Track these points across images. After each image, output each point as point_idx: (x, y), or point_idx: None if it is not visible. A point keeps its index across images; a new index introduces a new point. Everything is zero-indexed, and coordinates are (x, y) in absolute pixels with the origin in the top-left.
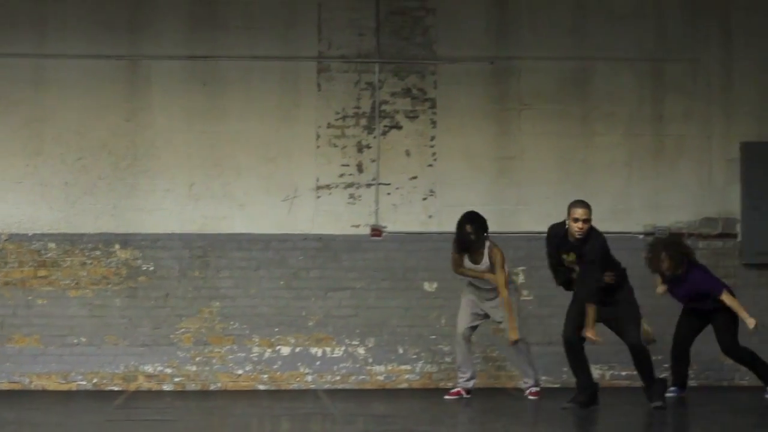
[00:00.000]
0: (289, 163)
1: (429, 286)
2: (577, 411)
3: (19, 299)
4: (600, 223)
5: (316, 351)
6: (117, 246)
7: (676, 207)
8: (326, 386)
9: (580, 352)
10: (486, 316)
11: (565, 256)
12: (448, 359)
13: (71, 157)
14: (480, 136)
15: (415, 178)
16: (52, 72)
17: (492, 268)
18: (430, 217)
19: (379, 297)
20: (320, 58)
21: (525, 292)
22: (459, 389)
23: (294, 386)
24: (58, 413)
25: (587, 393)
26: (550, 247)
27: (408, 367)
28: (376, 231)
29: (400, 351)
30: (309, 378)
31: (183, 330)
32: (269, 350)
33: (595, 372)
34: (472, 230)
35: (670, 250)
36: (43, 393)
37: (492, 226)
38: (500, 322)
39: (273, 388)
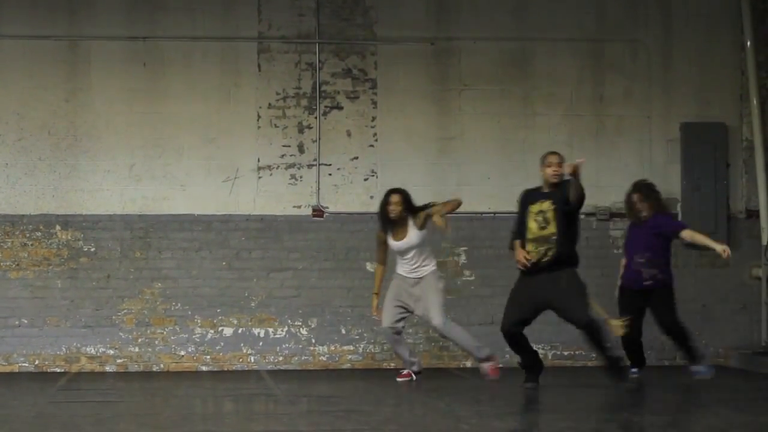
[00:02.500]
0: (231, 144)
1: (371, 266)
2: (531, 391)
3: None
4: None
5: (259, 332)
6: (58, 227)
7: (617, 187)
8: (269, 367)
9: (521, 338)
10: (411, 310)
11: (534, 207)
12: None
13: (11, 137)
14: (421, 117)
15: (356, 158)
16: None
17: (420, 233)
18: (371, 197)
19: (321, 277)
20: (260, 38)
21: (467, 272)
22: (408, 372)
23: (237, 367)
24: (0, 395)
25: (536, 370)
26: (520, 207)
27: (351, 347)
28: (318, 212)
29: (343, 331)
30: (252, 359)
31: (125, 311)
32: (212, 331)
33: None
34: (398, 200)
35: (645, 191)
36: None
37: None
38: (421, 316)
39: (216, 369)
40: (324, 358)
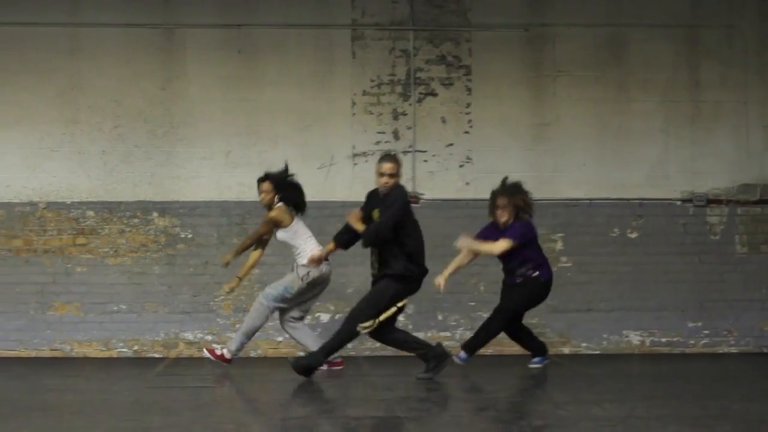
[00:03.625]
0: (325, 131)
1: None
2: (434, 380)
3: (59, 267)
4: (636, 190)
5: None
6: (155, 214)
7: (714, 173)
8: (366, 353)
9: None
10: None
11: (374, 214)
12: None
13: (108, 125)
14: (515, 103)
15: (451, 145)
16: (87, 40)
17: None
18: (466, 184)
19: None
20: (354, 25)
21: (563, 259)
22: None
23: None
24: (100, 380)
25: (435, 357)
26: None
27: (447, 333)
28: (413, 198)
29: (440, 317)
30: (349, 345)
31: (222, 297)
32: (309, 317)
33: (635, 338)
34: (267, 188)
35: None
36: (84, 360)
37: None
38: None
39: None
40: None
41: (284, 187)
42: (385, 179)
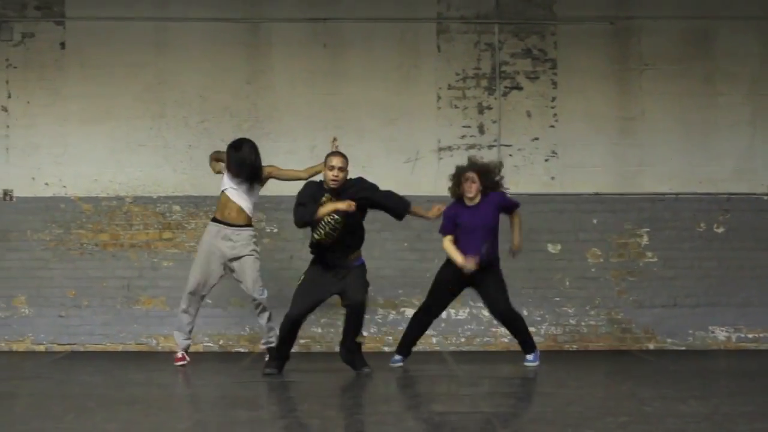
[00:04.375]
0: (411, 125)
1: (552, 248)
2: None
3: (145, 261)
4: (723, 184)
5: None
6: None
7: None
8: (451, 348)
9: (297, 330)
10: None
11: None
12: (572, 321)
13: (194, 119)
14: (601, 97)
15: (536, 139)
16: (174, 35)
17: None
18: (552, 178)
19: (502, 258)
20: (440, 19)
21: (649, 254)
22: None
23: (419, 348)
24: (185, 375)
25: (282, 362)
26: (305, 199)
27: (532, 329)
28: None
29: (525, 313)
30: (434, 340)
31: None
32: (393, 312)
33: (721, 334)
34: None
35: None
36: (170, 354)
37: (614, 187)
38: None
39: None
40: (506, 340)
41: None
42: (335, 172)
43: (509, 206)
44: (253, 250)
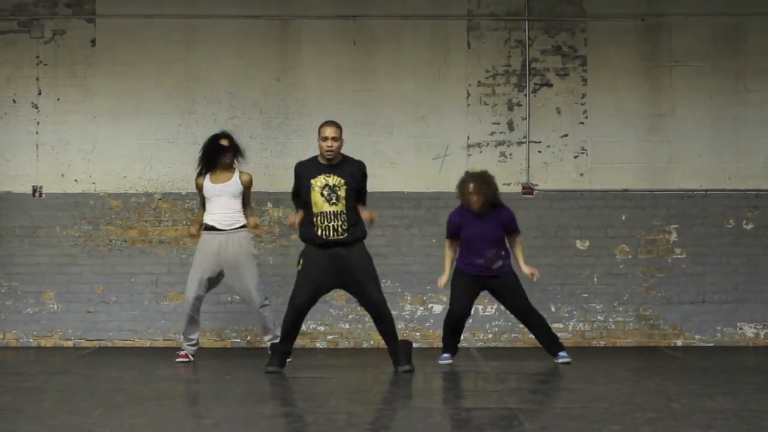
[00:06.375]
0: (440, 122)
1: (581, 244)
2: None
3: (173, 257)
4: (753, 181)
5: (468, 314)
6: (269, 204)
7: None
8: (479, 344)
9: (301, 323)
10: (220, 275)
11: (316, 181)
12: (600, 317)
13: (223, 116)
14: (631, 94)
15: (566, 135)
16: (203, 32)
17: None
18: (581, 174)
19: (530, 255)
20: (470, 16)
21: (678, 250)
22: (185, 353)
23: None
24: (213, 369)
25: (284, 358)
26: (298, 180)
27: (560, 325)
28: (528, 189)
29: (552, 309)
30: (461, 336)
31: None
32: (421, 308)
33: (749, 331)
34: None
35: (480, 183)
36: (198, 350)
37: (644, 184)
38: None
39: (425, 345)
40: (533, 336)
41: None
42: (328, 143)
43: (512, 229)
44: (252, 253)
